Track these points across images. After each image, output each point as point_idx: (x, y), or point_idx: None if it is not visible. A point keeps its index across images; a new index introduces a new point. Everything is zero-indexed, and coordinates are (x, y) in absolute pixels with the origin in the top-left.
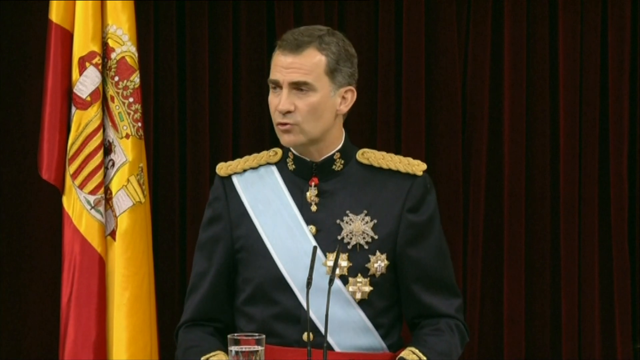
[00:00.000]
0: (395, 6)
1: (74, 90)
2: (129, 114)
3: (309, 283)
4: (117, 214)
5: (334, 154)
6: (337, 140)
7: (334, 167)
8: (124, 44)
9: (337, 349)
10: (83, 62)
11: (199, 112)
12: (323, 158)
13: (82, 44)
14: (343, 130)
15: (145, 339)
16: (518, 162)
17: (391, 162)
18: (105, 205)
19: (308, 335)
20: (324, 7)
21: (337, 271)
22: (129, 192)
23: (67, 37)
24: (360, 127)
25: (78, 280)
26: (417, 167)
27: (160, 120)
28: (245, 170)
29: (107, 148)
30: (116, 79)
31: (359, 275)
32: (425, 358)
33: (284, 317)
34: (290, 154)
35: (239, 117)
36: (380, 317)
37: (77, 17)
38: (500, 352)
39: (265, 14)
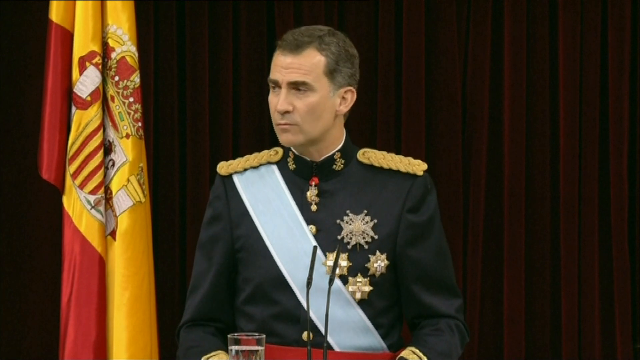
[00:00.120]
0: (395, 6)
1: (74, 90)
2: (129, 113)
3: (309, 283)
4: (117, 214)
5: (334, 154)
6: (337, 140)
7: (334, 166)
8: (124, 43)
9: (337, 348)
10: (83, 62)
11: (199, 112)
12: (323, 158)
13: (82, 43)
14: (344, 130)
15: (145, 339)
16: (518, 162)
17: (392, 162)
18: (106, 205)
19: (308, 335)
20: (324, 7)
21: (337, 271)
22: (129, 192)
23: (67, 37)
24: (360, 127)
25: (78, 280)
26: (418, 167)
27: (160, 120)
28: (246, 170)
29: (107, 148)
30: (116, 78)
31: (359, 275)
32: (425, 358)
33: (283, 316)
34: (290, 153)
35: (239, 117)
36: (380, 317)
37: (77, 17)
38: (500, 352)
39: (265, 14)
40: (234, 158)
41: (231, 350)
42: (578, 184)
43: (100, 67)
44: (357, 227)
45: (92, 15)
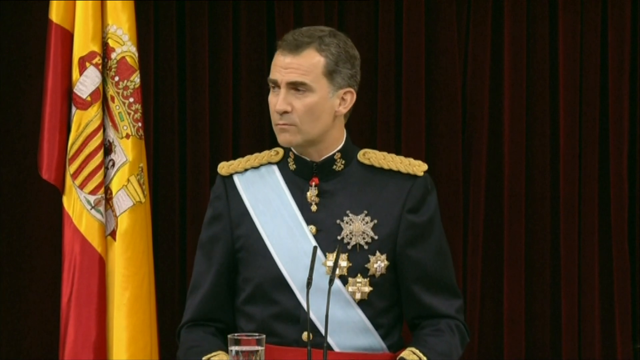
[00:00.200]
0: (395, 6)
1: (74, 90)
2: (129, 114)
3: (309, 283)
4: (117, 214)
5: (334, 154)
6: (337, 141)
7: (334, 167)
8: (124, 44)
9: (336, 349)
10: (83, 62)
11: (199, 112)
12: (323, 158)
13: (82, 44)
14: (345, 130)
15: (145, 339)
16: (518, 162)
17: (392, 162)
18: (106, 205)
19: (308, 335)
20: (324, 7)
21: (337, 271)
22: (129, 192)
23: (67, 37)
24: (360, 127)
25: (78, 280)
26: (418, 167)
27: (160, 120)
28: (246, 170)
29: (107, 148)
30: (116, 79)
31: (359, 275)
32: (425, 358)
33: (283, 317)
34: (291, 153)
35: (239, 117)
36: (380, 317)
37: (77, 17)
38: (500, 352)
39: (265, 14)
40: (234, 158)
41: (231, 350)
42: (578, 184)
43: (100, 67)
44: (357, 227)
45: (92, 16)
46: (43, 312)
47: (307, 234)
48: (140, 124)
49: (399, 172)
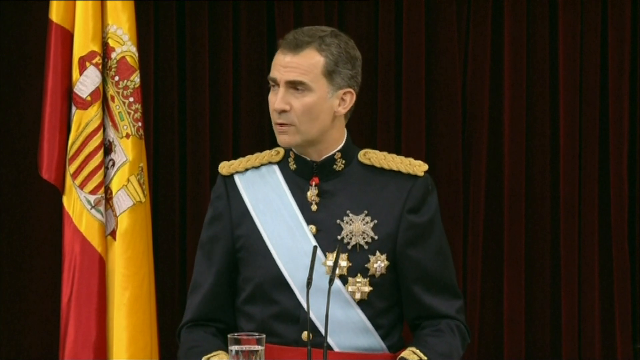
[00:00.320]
0: (395, 6)
1: (74, 90)
2: (129, 113)
3: (309, 283)
4: (117, 214)
5: (334, 154)
6: (337, 141)
7: (334, 167)
8: (124, 43)
9: (336, 349)
10: (83, 62)
11: (199, 112)
12: (323, 158)
13: (82, 43)
14: (345, 131)
15: (145, 339)
16: (518, 162)
17: (392, 162)
18: (106, 205)
19: (308, 335)
20: (324, 7)
21: (337, 271)
22: (129, 192)
23: (67, 37)
24: (360, 127)
25: (78, 280)
26: (419, 167)
27: (160, 120)
28: (247, 170)
29: (107, 148)
30: (116, 78)
31: (359, 275)
32: (425, 358)
33: (283, 316)
34: (291, 153)
35: (239, 117)
36: (380, 317)
37: (77, 17)
38: (500, 352)
39: (265, 14)
40: (234, 158)
41: (231, 350)
42: (578, 184)
43: (100, 67)
44: (357, 227)
45: (92, 15)
46: (43, 312)
47: (307, 233)
48: (140, 124)
49: (399, 172)
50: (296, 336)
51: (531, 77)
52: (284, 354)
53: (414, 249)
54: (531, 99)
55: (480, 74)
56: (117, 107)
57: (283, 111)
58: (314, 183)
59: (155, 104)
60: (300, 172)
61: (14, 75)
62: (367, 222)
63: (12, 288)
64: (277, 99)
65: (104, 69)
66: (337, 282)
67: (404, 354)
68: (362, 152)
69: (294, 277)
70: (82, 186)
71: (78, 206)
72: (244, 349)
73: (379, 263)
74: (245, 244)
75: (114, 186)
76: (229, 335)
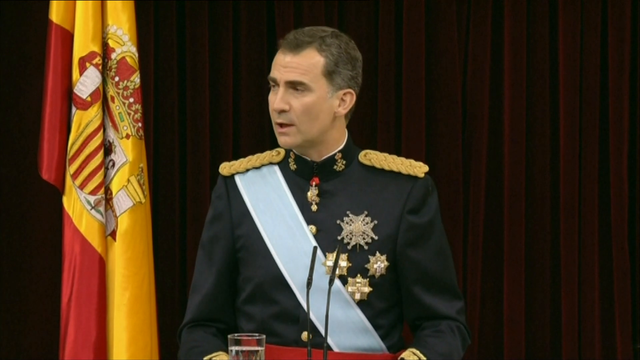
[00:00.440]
0: (395, 6)
1: (74, 91)
2: (129, 114)
3: (309, 283)
4: (118, 214)
5: (335, 155)
6: (337, 141)
7: (335, 167)
8: (124, 44)
9: (336, 349)
10: (83, 63)
11: (199, 112)
12: (324, 158)
13: (83, 44)
14: (346, 131)
15: (145, 339)
16: (518, 162)
17: (393, 163)
18: (106, 206)
19: (308, 335)
20: (324, 7)
21: (337, 271)
22: (129, 193)
23: (67, 37)
24: (360, 127)
25: (78, 280)
26: (419, 169)
27: (160, 120)
28: (247, 170)
29: (107, 148)
30: (116, 79)
31: (359, 275)
32: (425, 359)
33: (283, 316)
34: (291, 154)
35: (239, 117)
36: (380, 318)
37: (77, 17)
38: (500, 352)
39: (265, 14)
40: (234, 158)
41: (231, 350)
42: (578, 184)
43: (100, 67)
44: (357, 227)
45: (92, 16)
46: (43, 312)
47: (307, 233)
48: (140, 124)
49: (399, 174)
50: (296, 336)
51: (531, 77)
52: (283, 354)
53: (414, 249)
54: (531, 99)
55: (480, 74)
56: (117, 107)
57: (283, 111)
58: (314, 183)
59: (155, 104)
60: (300, 173)
61: (14, 75)
62: (367, 223)
63: (12, 288)
64: (276, 99)
65: (104, 70)
66: (337, 282)
67: (404, 354)
68: (362, 152)
69: (294, 277)
70: (82, 187)
71: (78, 207)
72: (244, 349)
73: (379, 264)
74: (245, 244)
75: (114, 187)
76: (229, 336)
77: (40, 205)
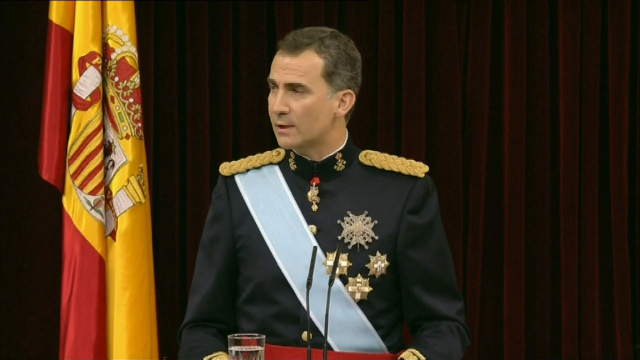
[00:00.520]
0: (395, 6)
1: (74, 91)
2: (129, 114)
3: (309, 283)
4: (117, 214)
5: (335, 155)
6: (337, 142)
7: (335, 167)
8: (124, 44)
9: (336, 349)
10: (83, 63)
11: (199, 112)
12: (324, 158)
13: (82, 44)
14: (346, 131)
15: (145, 339)
16: (518, 162)
17: (393, 163)
18: (106, 206)
19: (308, 335)
20: (324, 7)
21: (337, 271)
22: (129, 193)
23: (67, 37)
24: (360, 127)
25: (78, 280)
26: (419, 169)
27: (160, 120)
28: (248, 170)
29: (107, 148)
30: (116, 79)
31: (359, 275)
32: (425, 359)
33: (283, 316)
34: (291, 154)
35: (239, 117)
36: (380, 317)
37: (77, 17)
38: (500, 352)
39: (265, 14)
40: (234, 158)
41: (231, 350)
42: (578, 184)
43: (100, 67)
44: (358, 227)
45: (92, 16)
46: (43, 312)
47: (307, 233)
48: (140, 125)
49: (400, 174)
50: (296, 336)
51: (531, 77)
52: (284, 354)
53: (414, 250)
54: (531, 99)
55: (480, 74)
56: (117, 107)
57: (282, 113)
58: (314, 183)
59: (155, 104)
60: (300, 173)
61: (14, 75)
62: (367, 223)
63: (12, 288)
64: (276, 101)
65: (104, 70)
66: (338, 282)
67: (403, 355)
68: (362, 152)
69: (294, 277)
70: (82, 187)
71: (78, 207)
72: (243, 349)
73: (379, 263)
74: (245, 244)
75: (114, 187)
76: (229, 336)
77: (40, 205)
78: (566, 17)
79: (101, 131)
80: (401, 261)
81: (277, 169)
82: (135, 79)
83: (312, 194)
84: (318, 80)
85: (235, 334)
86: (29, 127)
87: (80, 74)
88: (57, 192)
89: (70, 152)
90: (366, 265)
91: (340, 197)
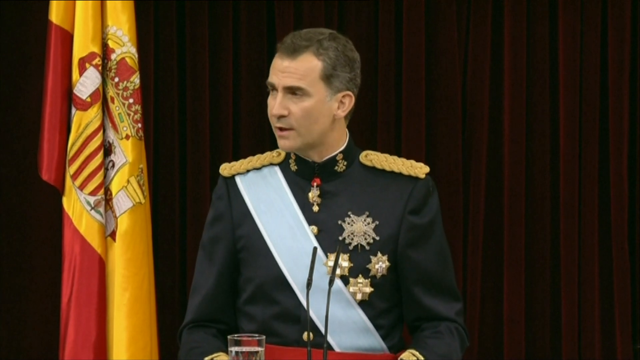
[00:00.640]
0: (395, 6)
1: (74, 91)
2: (129, 114)
3: (308, 284)
4: (117, 215)
5: (336, 155)
6: (337, 143)
7: (336, 168)
8: (124, 44)
9: (337, 349)
10: (83, 63)
11: (199, 112)
12: (325, 159)
13: (82, 44)
14: (347, 132)
15: (145, 339)
16: (518, 162)
17: (394, 164)
18: (105, 206)
19: (308, 335)
20: (324, 7)
21: (338, 271)
22: (129, 193)
23: (67, 38)
24: (361, 127)
25: (78, 280)
26: (420, 169)
27: (160, 121)
28: (248, 171)
29: (107, 149)
30: (116, 79)
31: (360, 275)
32: None
33: (284, 317)
34: (292, 155)
35: (239, 117)
36: (381, 318)
37: (77, 18)
38: (500, 352)
39: (265, 14)
40: (234, 158)
41: (231, 351)
42: (578, 184)
43: (100, 68)
44: (359, 228)
45: (92, 16)
46: (43, 312)
47: (308, 234)
48: (140, 125)
49: (400, 174)
50: (297, 336)
51: (531, 77)
52: (284, 354)
53: (414, 250)
54: (531, 99)
55: (480, 74)
56: (117, 108)
57: (282, 116)
58: (315, 184)
59: (155, 105)
60: (301, 173)
61: (14, 75)
62: (368, 223)
63: (12, 288)
64: (275, 104)
65: (104, 70)
66: (339, 282)
67: (403, 355)
68: (363, 153)
69: (295, 278)
70: (82, 187)
71: (78, 207)
72: (243, 350)
73: (380, 264)
74: (246, 245)
75: (114, 187)
76: (229, 337)
77: (40, 205)
78: (566, 17)
79: (101, 132)
80: (401, 261)
81: (277, 169)
82: (135, 79)
83: (313, 194)
84: (317, 82)
85: (235, 335)
86: (29, 127)
87: (80, 75)
88: (57, 193)
89: (70, 153)
90: (367, 266)
91: (341, 198)
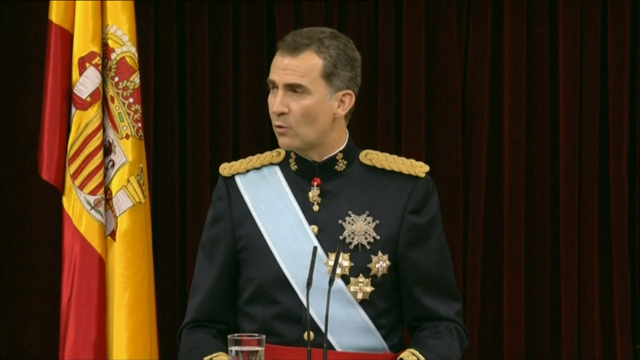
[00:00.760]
0: (395, 6)
1: (74, 91)
2: (129, 114)
3: (308, 284)
4: (117, 215)
5: (336, 155)
6: (337, 142)
7: (336, 167)
8: (124, 44)
9: (338, 348)
10: (83, 63)
11: (199, 112)
12: (325, 159)
13: (82, 44)
14: (347, 131)
15: (145, 339)
16: (518, 162)
17: (394, 163)
18: (105, 206)
19: (308, 335)
20: (324, 7)
21: (339, 271)
22: (129, 193)
23: (67, 37)
24: (361, 127)
25: (78, 280)
26: (420, 169)
27: (160, 120)
28: (248, 171)
29: (107, 148)
30: (116, 79)
31: (361, 275)
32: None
33: (284, 316)
34: (292, 154)
35: (239, 117)
36: (382, 317)
37: (77, 17)
38: (500, 352)
39: (265, 14)
40: (234, 158)
41: (231, 351)
42: (578, 184)
43: (100, 67)
44: (359, 227)
45: (92, 16)
46: (43, 312)
47: (309, 233)
48: (140, 125)
49: (400, 174)
50: (298, 336)
51: (531, 77)
52: (285, 354)
53: (414, 250)
54: (531, 99)
55: (480, 74)
56: (117, 107)
57: (282, 114)
58: (315, 183)
59: (155, 104)
60: (301, 173)
61: (14, 75)
62: (368, 223)
63: (12, 288)
64: (276, 102)
65: (104, 70)
66: (339, 282)
67: (403, 355)
68: (363, 152)
69: (296, 277)
70: (82, 187)
71: (78, 207)
72: (243, 349)
73: (380, 263)
74: (246, 245)
75: (114, 187)
76: (229, 336)
77: (40, 205)
78: (566, 17)
79: (101, 131)
80: (401, 261)
81: (277, 169)
82: (135, 79)
83: (313, 194)
84: (317, 80)
85: (235, 334)
86: (29, 127)
87: (80, 74)
88: (57, 192)
89: (70, 152)
90: (368, 265)
91: (342, 197)
